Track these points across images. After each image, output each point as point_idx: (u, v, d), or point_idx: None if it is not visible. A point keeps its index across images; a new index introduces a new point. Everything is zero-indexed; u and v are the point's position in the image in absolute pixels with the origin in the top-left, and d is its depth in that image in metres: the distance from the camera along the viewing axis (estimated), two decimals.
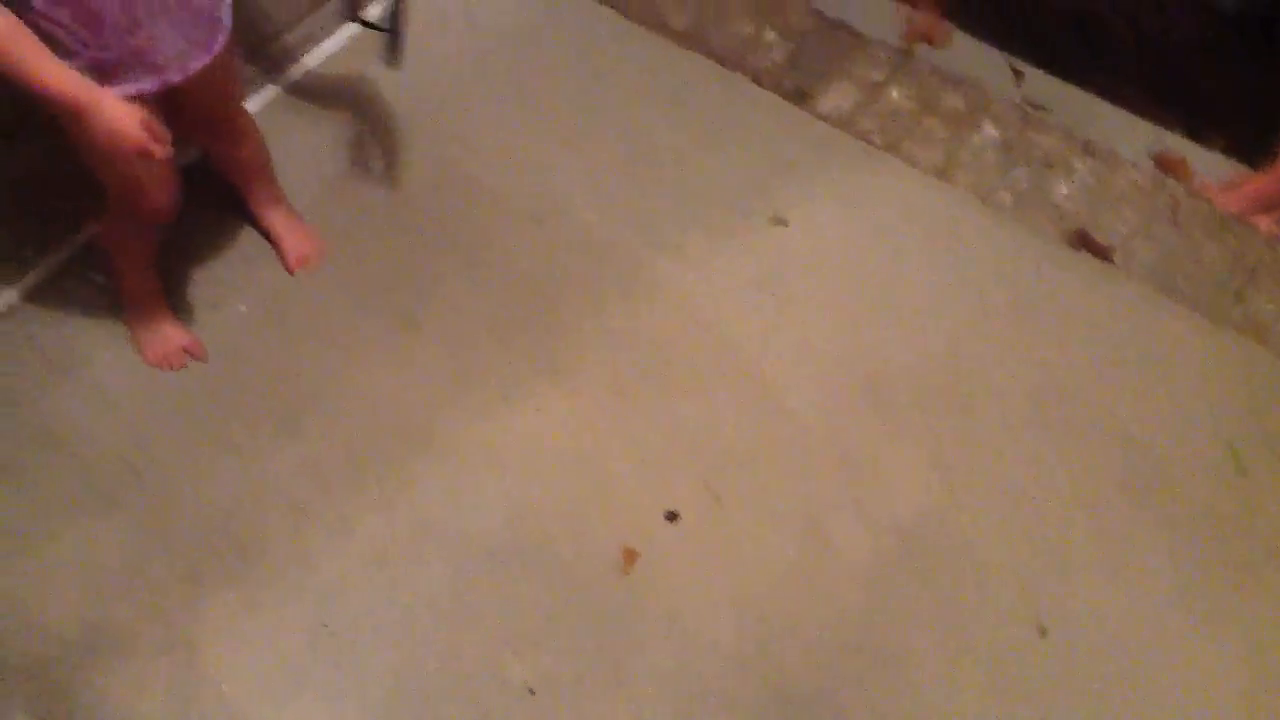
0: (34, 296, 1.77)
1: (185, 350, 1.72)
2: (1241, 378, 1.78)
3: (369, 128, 2.01)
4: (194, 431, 1.66)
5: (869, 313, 1.82)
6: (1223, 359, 1.80)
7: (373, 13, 2.12)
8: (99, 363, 1.72)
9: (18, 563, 1.53)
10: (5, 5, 1.20)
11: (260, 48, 2.01)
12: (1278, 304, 1.85)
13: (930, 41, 2.38)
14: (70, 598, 1.51)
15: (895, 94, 2.09)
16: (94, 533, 1.56)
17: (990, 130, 2.05)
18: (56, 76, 1.23)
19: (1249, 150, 2.18)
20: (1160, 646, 1.54)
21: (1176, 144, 2.20)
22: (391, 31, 1.80)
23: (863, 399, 1.73)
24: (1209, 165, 2.16)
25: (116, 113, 1.26)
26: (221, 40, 1.46)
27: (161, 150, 1.31)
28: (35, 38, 1.22)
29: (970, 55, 2.36)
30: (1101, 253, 1.90)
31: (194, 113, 1.54)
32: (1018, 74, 2.33)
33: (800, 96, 2.07)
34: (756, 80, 2.10)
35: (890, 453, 1.68)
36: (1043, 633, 1.54)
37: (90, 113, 1.25)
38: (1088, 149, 2.02)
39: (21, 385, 1.68)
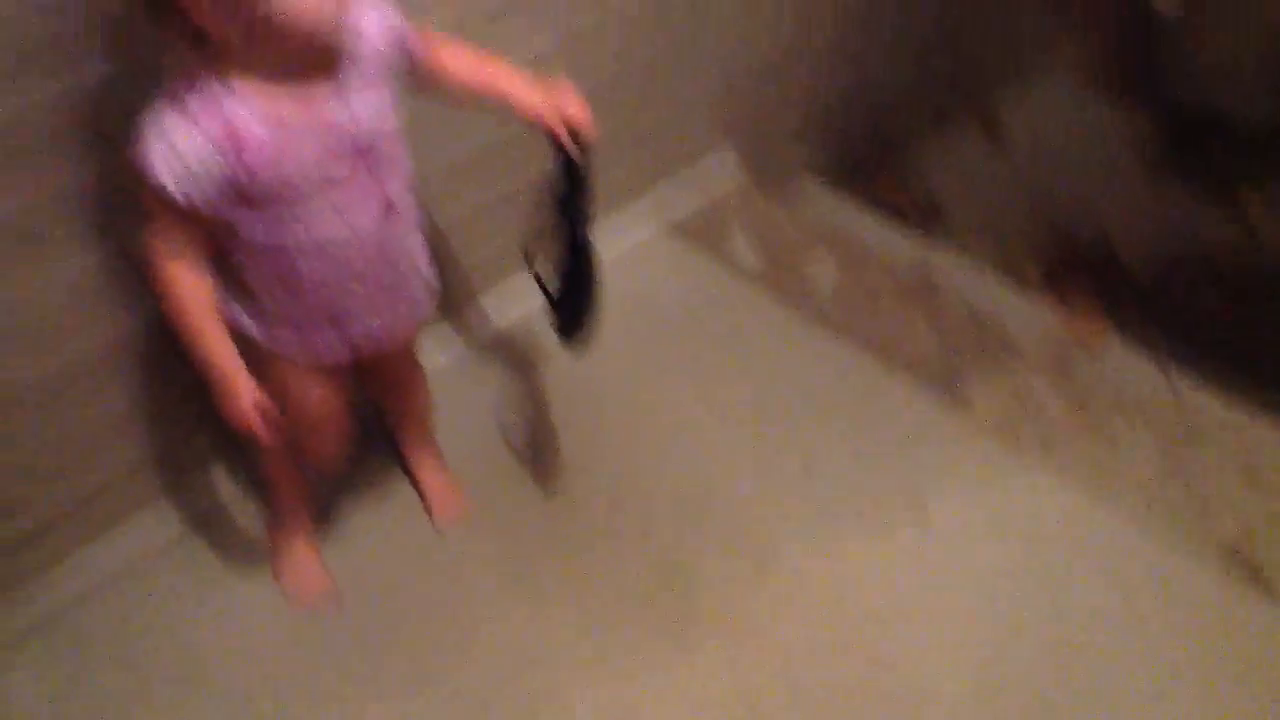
0: (194, 523, 1.85)
1: (321, 591, 1.76)
2: None
3: (530, 395, 2.08)
4: (315, 678, 1.67)
5: (1023, 635, 1.75)
6: None
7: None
8: (240, 595, 1.76)
9: None
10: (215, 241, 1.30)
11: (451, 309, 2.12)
12: None
13: (1086, 346, 2.38)
14: None
15: (1049, 399, 2.08)
16: None
17: (1147, 443, 2.01)
18: (216, 349, 1.32)
19: None
20: None
21: None
22: (561, 306, 1.72)
23: None
24: None
25: (244, 401, 1.34)
26: (424, 315, 1.55)
27: (268, 441, 1.37)
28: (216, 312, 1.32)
29: (1127, 364, 2.35)
30: (1259, 578, 1.80)
31: (372, 368, 1.62)
32: (1175, 387, 2.30)
33: (950, 393, 2.08)
34: (907, 370, 2.12)
35: None
36: None
37: (224, 392, 1.33)
38: (1248, 472, 1.96)
39: (167, 614, 1.73)
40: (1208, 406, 2.21)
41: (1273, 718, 1.65)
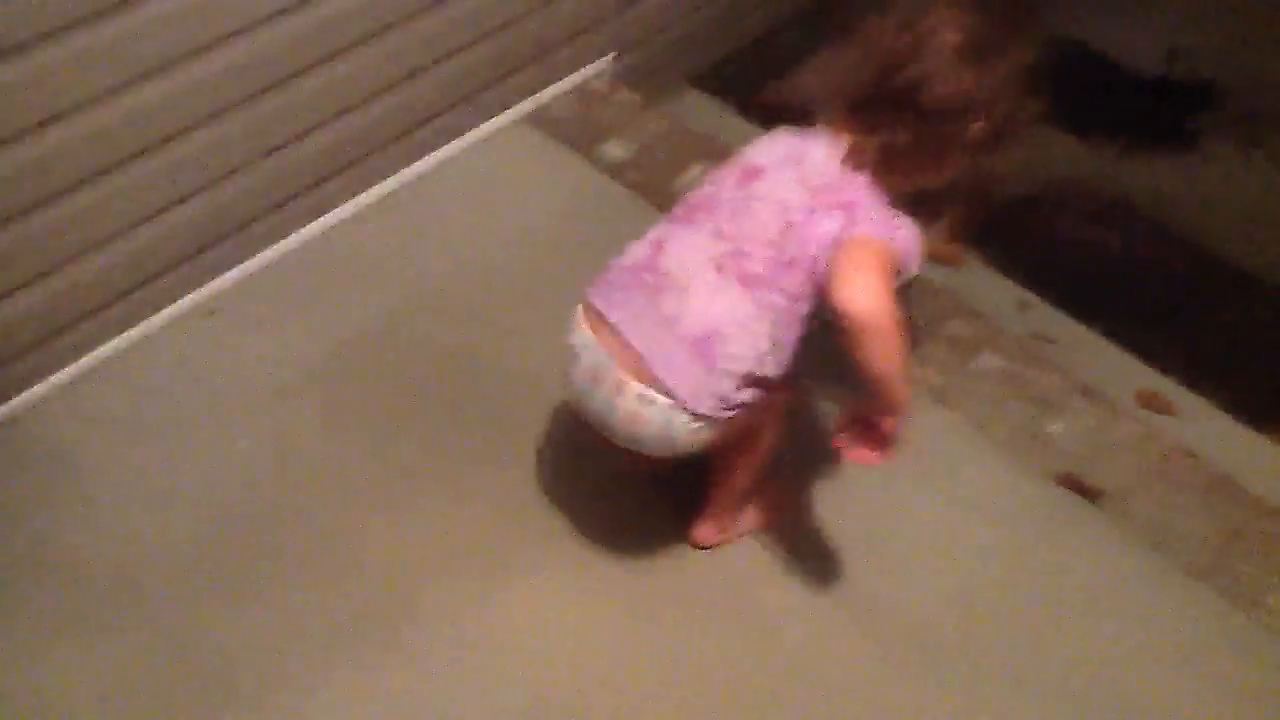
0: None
1: None
2: (1221, 642, 1.77)
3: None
4: (186, 568, 1.68)
5: (862, 545, 1.83)
6: (1203, 621, 1.79)
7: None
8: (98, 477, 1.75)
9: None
10: None
11: None
12: (1255, 568, 1.86)
13: (943, 261, 2.46)
14: None
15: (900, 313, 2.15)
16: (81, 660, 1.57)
17: (991, 360, 2.10)
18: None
19: (1247, 407, 2.23)
20: None
21: (1171, 391, 2.25)
22: None
23: (860, 639, 1.73)
24: (1196, 407, 2.20)
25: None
26: None
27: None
28: None
29: (981, 281, 2.44)
30: (1090, 496, 1.92)
31: None
32: (1024, 305, 2.40)
33: None
34: None
35: (884, 695, 1.67)
36: None
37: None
38: (1084, 390, 2.07)
39: (22, 495, 1.72)
40: (1054, 321, 2.33)
41: (1090, 617, 1.78)
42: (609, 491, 1.85)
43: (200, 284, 2.00)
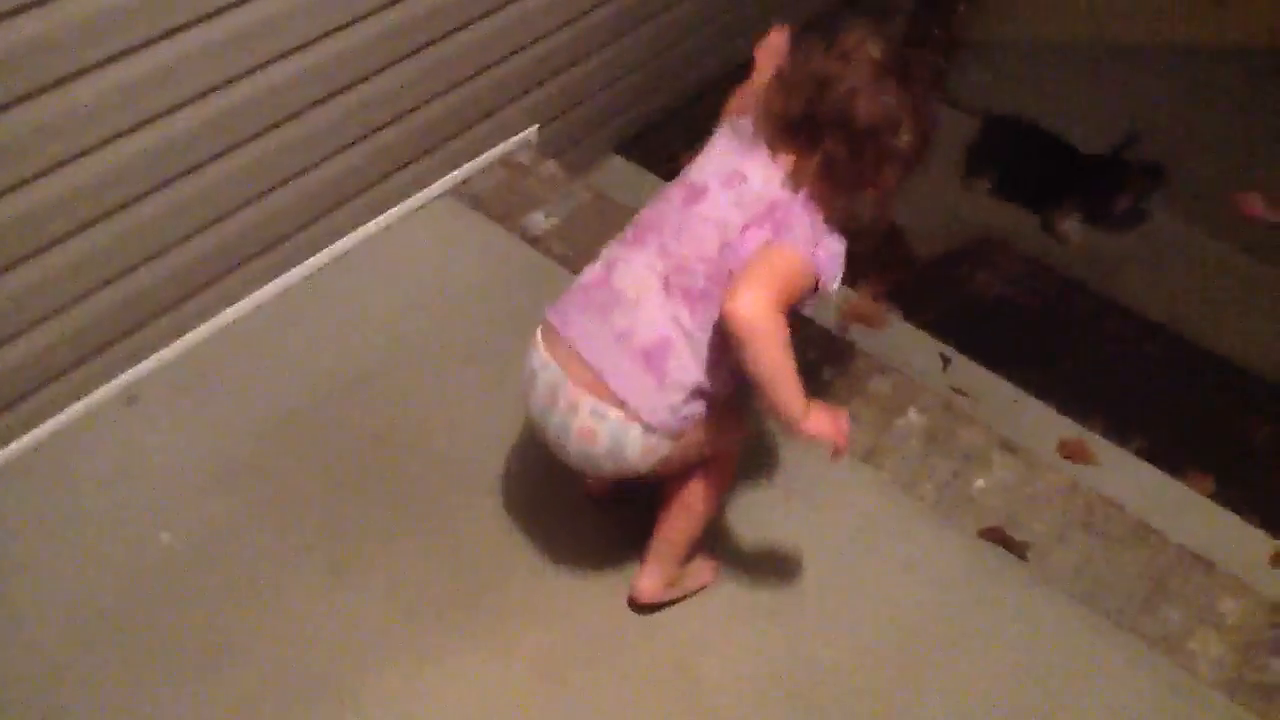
0: None
1: None
2: (1148, 690, 1.80)
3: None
4: (113, 669, 1.64)
5: (798, 609, 1.84)
6: (1130, 665, 1.82)
7: None
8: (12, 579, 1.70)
9: None
10: None
11: None
12: (1183, 614, 1.89)
13: (866, 323, 2.50)
14: None
15: (825, 374, 2.18)
16: None
17: (915, 417, 2.13)
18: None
19: (1165, 455, 2.28)
20: None
21: (1094, 442, 2.29)
22: None
23: (789, 705, 1.73)
24: (1118, 461, 2.25)
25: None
26: None
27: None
28: None
29: (903, 340, 2.48)
30: (1017, 551, 1.95)
31: None
32: (946, 360, 2.45)
33: None
34: None
35: None
36: None
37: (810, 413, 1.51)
38: (1006, 445, 2.10)
39: None
40: (974, 376, 2.37)
41: (1022, 671, 1.80)
42: (541, 565, 1.84)
43: (118, 372, 1.97)
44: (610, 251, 1.63)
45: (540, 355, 1.60)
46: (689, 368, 1.53)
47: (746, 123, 1.59)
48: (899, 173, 1.56)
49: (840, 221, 1.57)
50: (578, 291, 1.62)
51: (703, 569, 1.84)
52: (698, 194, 1.57)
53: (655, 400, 1.53)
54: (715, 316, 1.50)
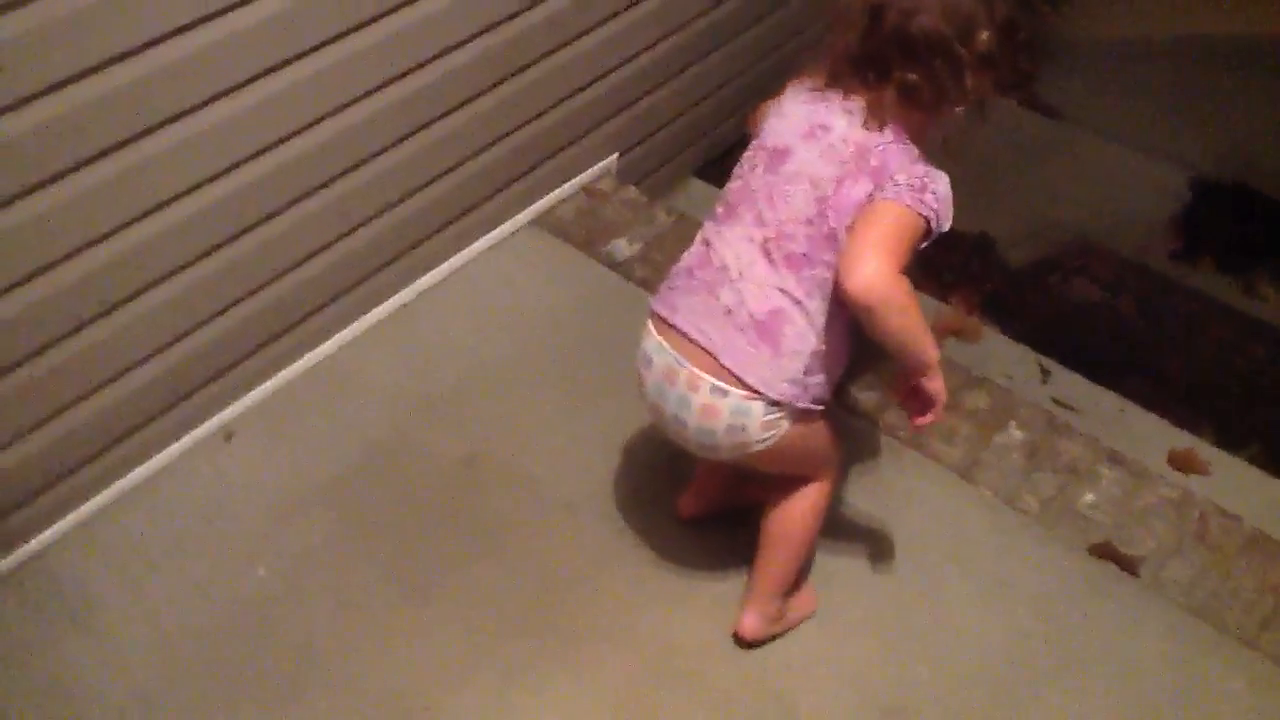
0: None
1: None
2: (1273, 712, 1.70)
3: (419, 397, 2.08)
4: (204, 697, 1.67)
5: (894, 629, 1.79)
6: (1252, 687, 1.73)
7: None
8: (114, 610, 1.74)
9: None
10: None
11: None
12: None
13: (960, 336, 2.44)
14: None
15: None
16: None
17: (1015, 432, 2.06)
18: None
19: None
20: None
21: (1205, 451, 2.20)
22: None
23: None
24: (1231, 470, 2.15)
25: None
26: None
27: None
28: None
29: (1000, 352, 2.41)
30: (1128, 566, 1.87)
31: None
32: (1045, 373, 2.37)
33: None
34: None
35: None
36: None
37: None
38: (1114, 458, 2.02)
39: (37, 635, 1.71)
40: (1076, 388, 2.30)
41: (1133, 692, 1.72)
42: (627, 588, 1.82)
43: (213, 411, 2.01)
44: (706, 231, 1.59)
45: (654, 340, 1.58)
46: (804, 334, 1.50)
47: (809, 81, 1.55)
48: (990, 77, 1.47)
49: (938, 145, 1.50)
50: (680, 275, 1.59)
51: (806, 599, 1.80)
52: (781, 155, 1.52)
53: (773, 372, 1.50)
54: (823, 278, 1.47)
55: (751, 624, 1.72)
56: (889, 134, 1.47)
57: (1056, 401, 2.27)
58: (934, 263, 2.26)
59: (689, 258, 1.60)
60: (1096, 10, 3.69)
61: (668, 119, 2.73)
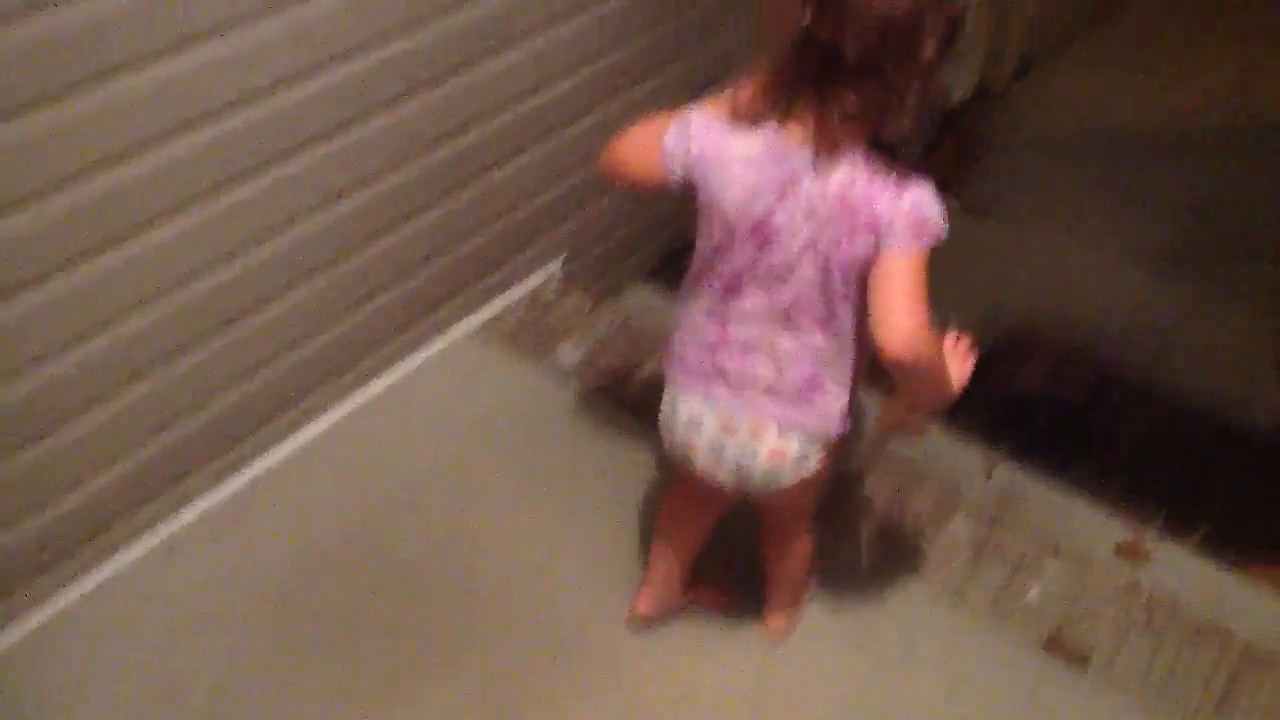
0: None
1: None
2: None
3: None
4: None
5: None
6: None
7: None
8: None
9: None
10: None
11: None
12: (1257, 715, 1.79)
13: (905, 431, 2.45)
14: None
15: (866, 486, 2.14)
16: None
17: (960, 528, 2.07)
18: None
19: (1227, 545, 2.19)
20: None
21: (1152, 537, 2.21)
22: None
23: None
24: (1176, 556, 2.16)
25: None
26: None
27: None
28: None
29: (944, 446, 2.43)
30: (1077, 659, 1.86)
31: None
32: (990, 465, 2.39)
33: None
34: None
35: None
36: None
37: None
38: (1058, 551, 2.03)
39: None
40: (1020, 482, 2.31)
41: None
42: (587, 686, 1.79)
43: (158, 523, 1.99)
44: (707, 305, 1.56)
45: (695, 404, 1.60)
46: (840, 376, 1.56)
47: (720, 103, 1.47)
48: (932, 48, 1.34)
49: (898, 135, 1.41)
50: (700, 355, 1.58)
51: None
52: (764, 230, 1.45)
53: (826, 415, 1.57)
54: (845, 325, 1.51)
55: (783, 625, 1.91)
56: (855, 162, 1.38)
57: (1002, 495, 2.28)
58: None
59: (702, 336, 1.57)
60: (1021, 110, 3.84)
61: (613, 226, 2.78)
